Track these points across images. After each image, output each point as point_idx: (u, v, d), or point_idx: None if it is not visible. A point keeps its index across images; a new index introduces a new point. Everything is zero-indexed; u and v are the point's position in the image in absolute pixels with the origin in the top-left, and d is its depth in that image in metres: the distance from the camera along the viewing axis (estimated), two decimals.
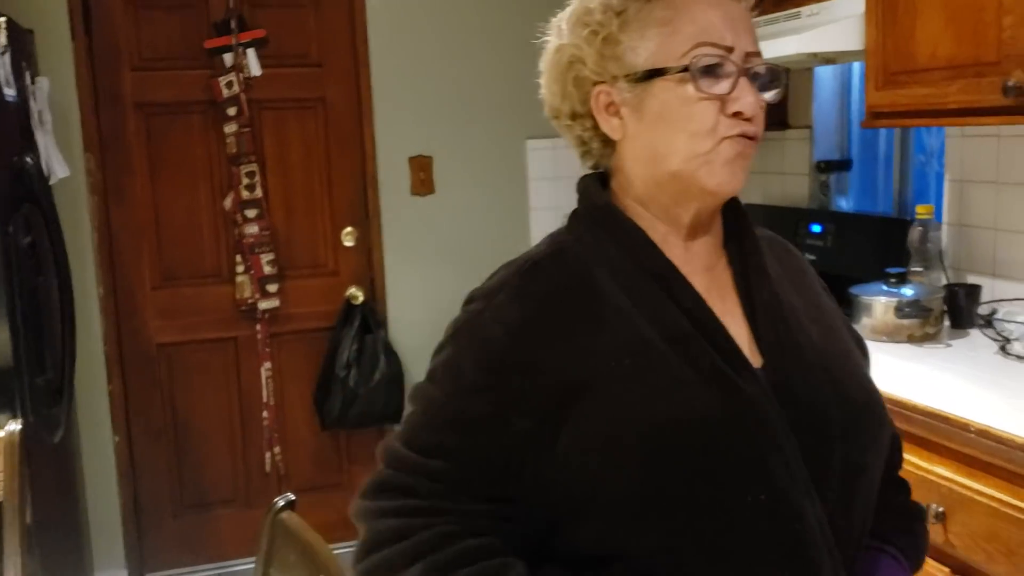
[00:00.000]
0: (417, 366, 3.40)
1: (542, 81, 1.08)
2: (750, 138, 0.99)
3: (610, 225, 1.03)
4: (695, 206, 1.02)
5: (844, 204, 3.05)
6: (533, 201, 3.61)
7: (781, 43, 2.32)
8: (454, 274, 3.48)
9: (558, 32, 1.05)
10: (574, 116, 1.05)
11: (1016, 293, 2.22)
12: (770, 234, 1.17)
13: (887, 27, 2.09)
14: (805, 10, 2.41)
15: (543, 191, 3.61)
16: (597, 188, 1.06)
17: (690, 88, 0.97)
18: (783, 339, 1.02)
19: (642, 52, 0.99)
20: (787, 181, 3.20)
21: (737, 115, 0.97)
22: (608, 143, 1.04)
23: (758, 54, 1.00)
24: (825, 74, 3.03)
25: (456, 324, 1.04)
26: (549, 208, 3.62)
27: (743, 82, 0.97)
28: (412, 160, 3.45)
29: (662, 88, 0.98)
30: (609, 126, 1.02)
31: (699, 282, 1.02)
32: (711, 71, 0.97)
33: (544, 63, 1.07)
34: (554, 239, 1.06)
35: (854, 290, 2.25)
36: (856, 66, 2.93)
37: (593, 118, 1.03)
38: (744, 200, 1.09)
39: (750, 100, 0.97)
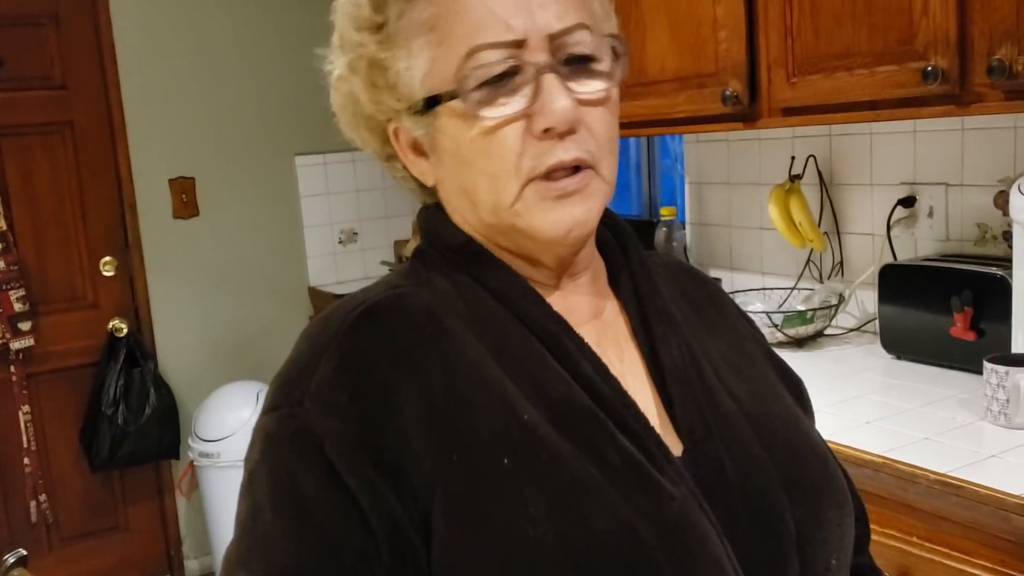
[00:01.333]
0: (191, 396, 3.27)
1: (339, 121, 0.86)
2: (577, 168, 0.72)
3: (475, 269, 0.77)
4: (546, 249, 0.77)
5: None
6: (306, 219, 3.57)
7: None
8: (226, 298, 3.40)
9: (337, 57, 0.82)
10: (387, 158, 0.83)
11: (750, 284, 2.43)
12: (673, 260, 0.95)
13: None
14: None
15: (316, 208, 3.58)
16: (447, 223, 0.80)
17: (471, 117, 0.72)
18: (706, 411, 0.76)
19: (416, 73, 0.74)
20: None
21: (549, 132, 0.71)
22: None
23: (577, 27, 0.72)
24: None
25: (267, 435, 0.71)
26: (323, 225, 3.60)
27: (548, 82, 0.70)
28: (173, 182, 3.32)
29: (447, 119, 0.74)
30: (418, 170, 0.80)
31: (587, 337, 0.77)
32: (498, 84, 0.71)
33: (332, 99, 0.85)
34: (389, 286, 0.78)
35: None
36: None
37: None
38: None
39: (560, 106, 0.70)
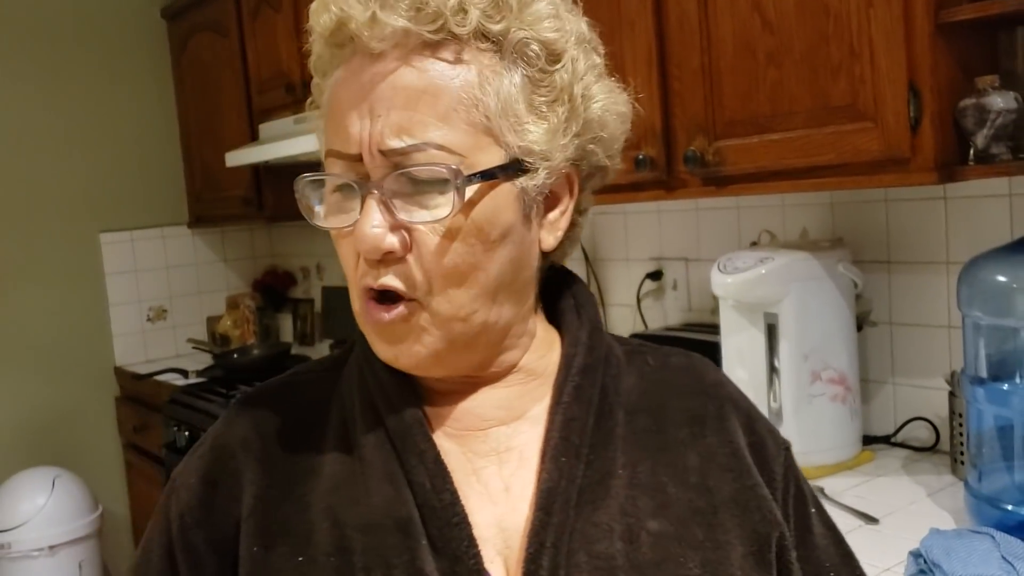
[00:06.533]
0: None
1: None
2: (387, 302, 0.69)
3: (364, 351, 0.77)
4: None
5: None
6: (112, 296, 3.50)
7: (310, 140, 2.50)
8: (24, 379, 3.28)
9: None
10: None
11: None
12: (679, 363, 0.84)
13: None
14: None
15: (123, 285, 3.52)
16: None
17: None
18: (561, 547, 0.69)
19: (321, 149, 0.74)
20: None
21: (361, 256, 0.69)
22: None
23: (413, 149, 0.66)
24: None
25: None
26: (131, 303, 3.54)
27: (366, 204, 0.67)
28: None
29: None
30: None
31: (473, 444, 0.75)
32: (347, 192, 0.69)
33: None
34: (298, 370, 0.83)
35: None
36: None
37: None
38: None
39: (365, 232, 0.66)
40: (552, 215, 0.74)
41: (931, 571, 1.23)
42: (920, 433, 1.77)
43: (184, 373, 3.22)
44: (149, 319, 3.59)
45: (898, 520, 1.45)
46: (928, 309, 1.74)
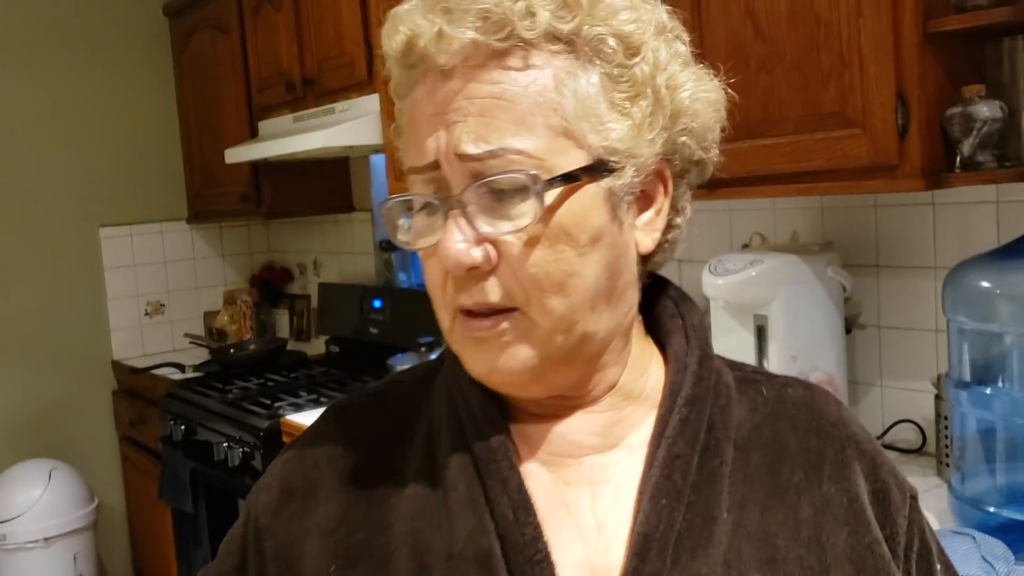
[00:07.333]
0: None
1: None
2: (481, 315, 0.66)
3: (452, 369, 0.74)
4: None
5: (405, 280, 3.32)
6: (110, 291, 3.52)
7: (308, 138, 2.53)
8: (22, 373, 3.30)
9: None
10: None
11: None
12: (796, 396, 0.76)
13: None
14: (339, 105, 2.65)
15: (121, 279, 3.54)
16: None
17: None
18: None
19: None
20: (357, 260, 3.43)
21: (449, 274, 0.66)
22: None
23: (487, 156, 0.63)
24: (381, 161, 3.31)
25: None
26: (129, 296, 3.56)
27: (448, 221, 0.64)
28: None
29: None
30: None
31: (563, 473, 0.71)
32: (424, 213, 0.67)
33: None
34: (391, 379, 0.82)
35: (390, 360, 2.47)
36: None
37: None
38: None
39: (448, 251, 0.64)
40: (646, 215, 0.70)
41: None
42: (907, 435, 1.79)
43: (181, 367, 3.25)
44: (147, 313, 3.61)
45: None
46: (916, 313, 1.76)
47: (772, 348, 1.69)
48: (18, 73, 3.29)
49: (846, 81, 1.43)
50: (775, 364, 1.68)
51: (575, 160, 0.64)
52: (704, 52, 1.61)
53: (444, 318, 0.69)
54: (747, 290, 1.69)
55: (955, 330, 1.43)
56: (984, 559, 1.26)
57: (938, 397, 1.65)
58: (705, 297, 1.75)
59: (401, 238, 0.68)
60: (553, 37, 0.64)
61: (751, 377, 0.77)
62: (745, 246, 1.96)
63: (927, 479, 1.64)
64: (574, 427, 0.71)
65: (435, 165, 0.64)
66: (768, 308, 1.68)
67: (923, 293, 1.74)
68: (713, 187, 1.68)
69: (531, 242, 0.64)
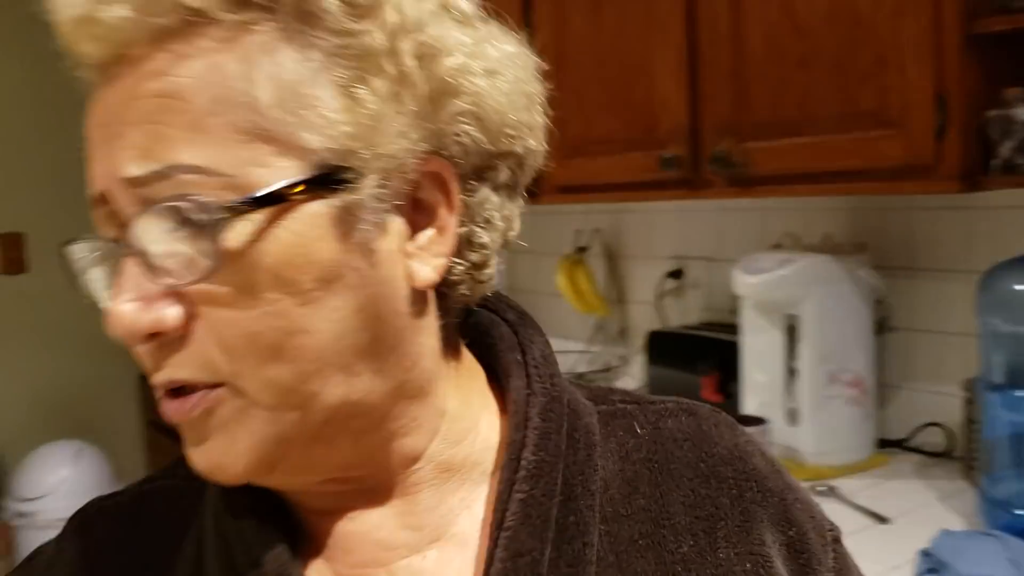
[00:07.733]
0: (11, 455, 3.20)
1: None
2: (184, 393, 0.48)
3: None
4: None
5: None
6: None
7: None
8: (51, 355, 3.35)
9: None
10: None
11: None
12: (680, 427, 0.60)
13: None
14: None
15: None
16: None
17: None
18: None
19: None
20: None
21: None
22: None
23: (154, 177, 0.45)
24: None
25: None
26: None
27: (124, 269, 0.47)
28: (0, 237, 3.29)
29: None
30: None
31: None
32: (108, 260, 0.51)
33: None
34: (163, 470, 0.62)
35: None
36: None
37: None
38: None
39: (110, 311, 0.48)
40: (424, 236, 0.50)
41: (940, 570, 1.25)
42: (934, 438, 1.79)
43: None
44: None
45: (909, 521, 1.48)
46: (947, 316, 1.76)
47: (802, 348, 1.69)
48: (56, 54, 3.32)
49: (885, 81, 1.43)
50: (804, 363, 1.69)
51: (281, 172, 0.45)
52: (741, 48, 1.64)
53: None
54: (779, 289, 1.69)
55: (988, 333, 1.43)
56: (1011, 561, 1.26)
57: (968, 400, 1.65)
58: (734, 296, 1.76)
59: (96, 295, 0.52)
60: (241, 4, 0.46)
61: (620, 410, 0.60)
62: (777, 246, 1.96)
63: (953, 482, 1.64)
64: (376, 521, 0.53)
65: (104, 197, 0.47)
66: (799, 308, 1.69)
67: (954, 296, 1.74)
68: (747, 185, 1.70)
69: (227, 295, 0.46)
